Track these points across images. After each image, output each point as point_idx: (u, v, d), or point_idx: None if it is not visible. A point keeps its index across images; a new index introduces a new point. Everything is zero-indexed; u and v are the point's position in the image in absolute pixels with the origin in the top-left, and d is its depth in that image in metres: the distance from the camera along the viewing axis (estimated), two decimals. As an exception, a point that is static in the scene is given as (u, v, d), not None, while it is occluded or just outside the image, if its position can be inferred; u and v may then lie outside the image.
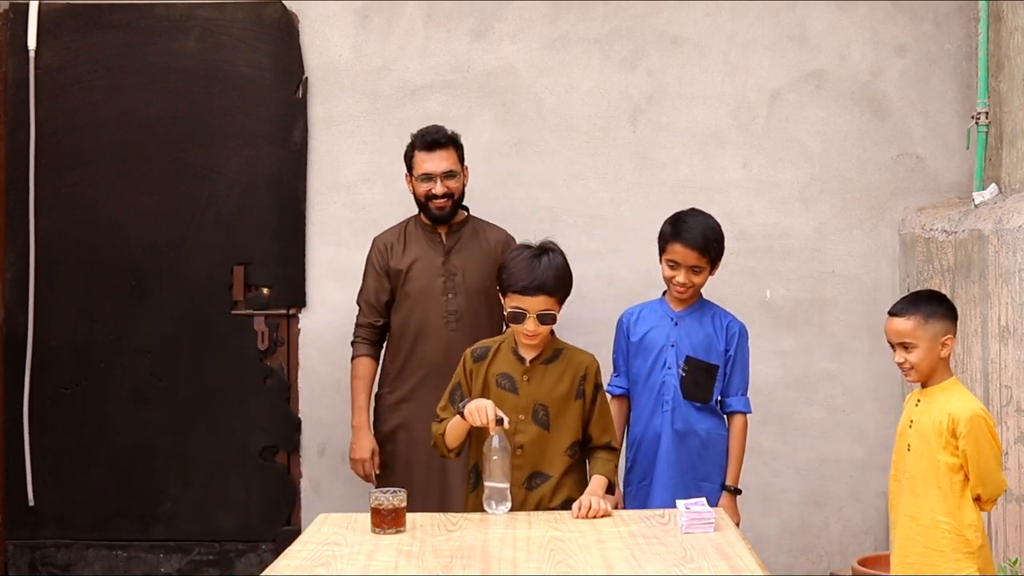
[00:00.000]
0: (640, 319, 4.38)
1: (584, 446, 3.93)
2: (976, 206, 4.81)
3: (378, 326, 4.84)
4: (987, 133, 5.05)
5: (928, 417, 3.64)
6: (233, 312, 5.39)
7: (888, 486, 3.81)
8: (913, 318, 3.65)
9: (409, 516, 3.58)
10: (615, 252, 5.32)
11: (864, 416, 5.30)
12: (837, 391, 5.31)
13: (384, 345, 4.89)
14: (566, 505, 3.75)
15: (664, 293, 4.40)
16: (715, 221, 4.32)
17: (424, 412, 4.04)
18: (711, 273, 4.31)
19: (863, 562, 4.75)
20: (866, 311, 5.29)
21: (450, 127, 4.85)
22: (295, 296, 5.38)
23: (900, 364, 3.69)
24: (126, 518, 5.40)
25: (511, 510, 3.72)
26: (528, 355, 3.88)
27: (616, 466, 3.98)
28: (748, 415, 4.36)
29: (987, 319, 4.45)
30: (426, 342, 4.75)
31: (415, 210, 4.91)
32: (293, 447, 5.39)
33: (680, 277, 4.26)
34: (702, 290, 4.37)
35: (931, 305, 3.68)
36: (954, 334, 3.68)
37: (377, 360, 4.87)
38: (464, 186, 4.82)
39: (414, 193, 4.81)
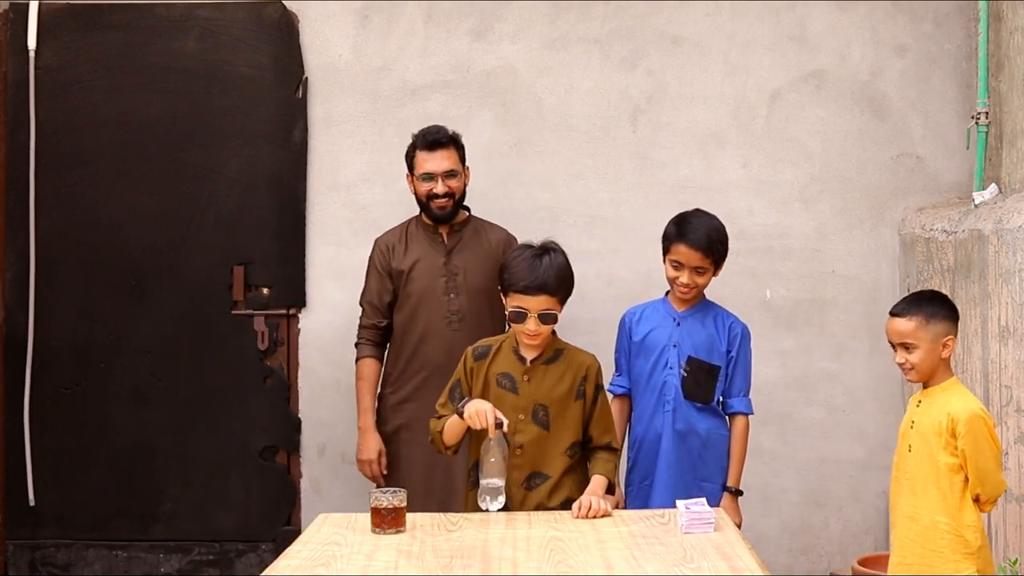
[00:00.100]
0: (643, 319, 4.38)
1: (584, 446, 3.93)
2: (976, 206, 4.81)
3: (381, 327, 4.84)
4: (987, 133, 5.05)
5: (928, 417, 3.64)
6: (233, 312, 5.38)
7: (889, 486, 3.81)
8: (914, 319, 3.65)
9: (409, 516, 3.58)
10: (615, 252, 5.32)
11: (864, 416, 5.30)
12: (837, 391, 5.31)
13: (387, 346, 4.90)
14: (565, 505, 3.75)
15: (667, 293, 4.40)
16: (719, 222, 4.31)
17: (426, 412, 4.04)
18: (715, 274, 4.31)
19: (863, 562, 4.74)
20: (866, 311, 5.29)
21: (450, 127, 4.85)
22: (295, 296, 5.38)
23: (901, 364, 3.69)
24: (126, 518, 5.40)
25: (509, 509, 3.73)
26: (529, 355, 3.88)
27: (616, 466, 3.98)
28: (750, 416, 4.36)
29: (987, 319, 4.45)
30: (428, 342, 4.75)
31: (415, 210, 4.91)
32: (293, 447, 5.39)
33: (684, 278, 4.26)
34: (704, 290, 4.37)
35: (932, 306, 3.68)
36: (955, 335, 3.68)
37: (381, 361, 4.87)
38: (465, 186, 4.82)
39: (415, 193, 4.81)
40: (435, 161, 4.74)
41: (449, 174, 4.75)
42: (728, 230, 4.39)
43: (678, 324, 4.32)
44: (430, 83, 5.36)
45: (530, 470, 3.84)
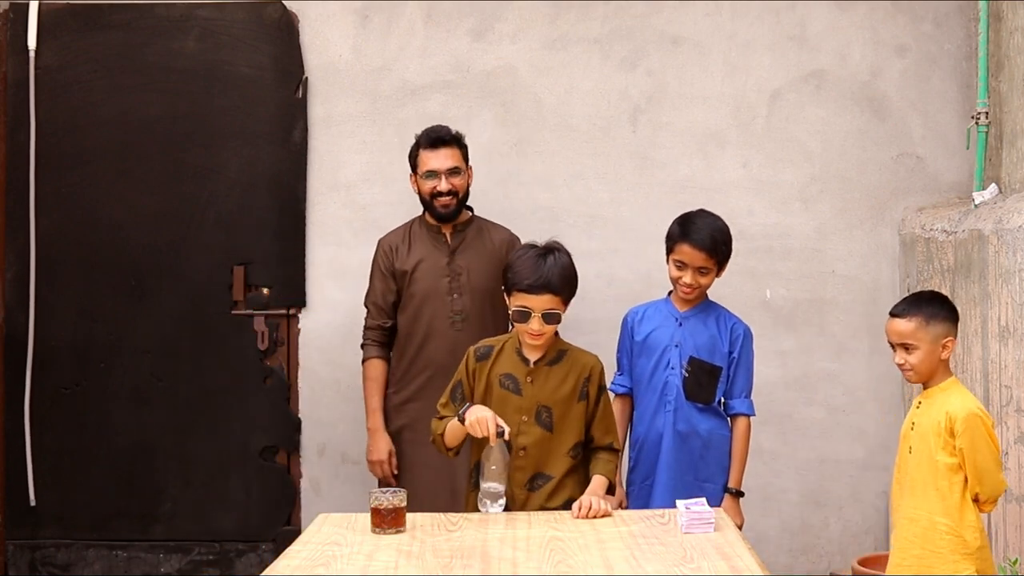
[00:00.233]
0: (645, 318, 4.37)
1: (586, 447, 3.92)
2: (976, 206, 4.81)
3: (387, 327, 4.84)
4: (987, 133, 5.05)
5: (928, 418, 3.64)
6: (233, 312, 5.38)
7: (889, 486, 3.81)
8: (914, 319, 3.65)
9: (409, 516, 3.58)
10: (615, 252, 5.32)
11: (864, 416, 5.30)
12: (837, 391, 5.31)
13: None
14: (568, 506, 3.75)
15: (670, 293, 4.39)
16: (723, 223, 4.31)
17: (430, 412, 4.04)
18: (718, 275, 4.31)
19: (863, 562, 4.74)
20: (866, 311, 5.29)
21: (451, 127, 4.85)
22: (295, 296, 5.38)
23: (900, 365, 3.69)
24: (126, 518, 5.40)
25: (511, 510, 3.72)
26: (532, 356, 3.87)
27: (616, 467, 3.98)
28: (751, 417, 4.35)
29: (987, 319, 4.45)
30: (432, 342, 4.75)
31: (415, 210, 4.91)
32: (293, 447, 5.39)
33: (687, 278, 4.25)
34: (707, 291, 4.37)
35: (933, 307, 3.68)
36: (955, 336, 3.68)
37: (388, 361, 4.87)
38: (468, 185, 4.82)
39: (419, 192, 4.81)
40: (439, 159, 4.74)
41: (453, 171, 4.75)
42: (728, 230, 4.40)
43: (680, 324, 4.32)
44: (430, 83, 5.37)
45: (533, 471, 3.84)
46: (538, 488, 3.83)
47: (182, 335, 5.39)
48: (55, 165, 5.38)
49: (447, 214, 4.78)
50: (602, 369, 3.93)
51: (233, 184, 5.39)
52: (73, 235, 5.39)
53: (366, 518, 3.58)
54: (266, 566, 3.46)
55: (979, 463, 3.56)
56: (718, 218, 4.33)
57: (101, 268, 5.40)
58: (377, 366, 4.84)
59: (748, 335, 4.35)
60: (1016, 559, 4.16)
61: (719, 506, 4.07)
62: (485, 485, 3.71)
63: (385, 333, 4.85)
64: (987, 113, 5.04)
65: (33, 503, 5.36)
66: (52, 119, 5.38)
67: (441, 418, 3.88)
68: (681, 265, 4.26)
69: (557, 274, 3.78)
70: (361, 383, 4.94)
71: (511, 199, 5.30)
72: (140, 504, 5.40)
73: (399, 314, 4.83)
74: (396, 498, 3.52)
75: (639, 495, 4.31)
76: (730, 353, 4.31)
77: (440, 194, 4.74)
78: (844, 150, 5.33)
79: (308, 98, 5.37)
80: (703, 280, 4.27)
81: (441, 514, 3.75)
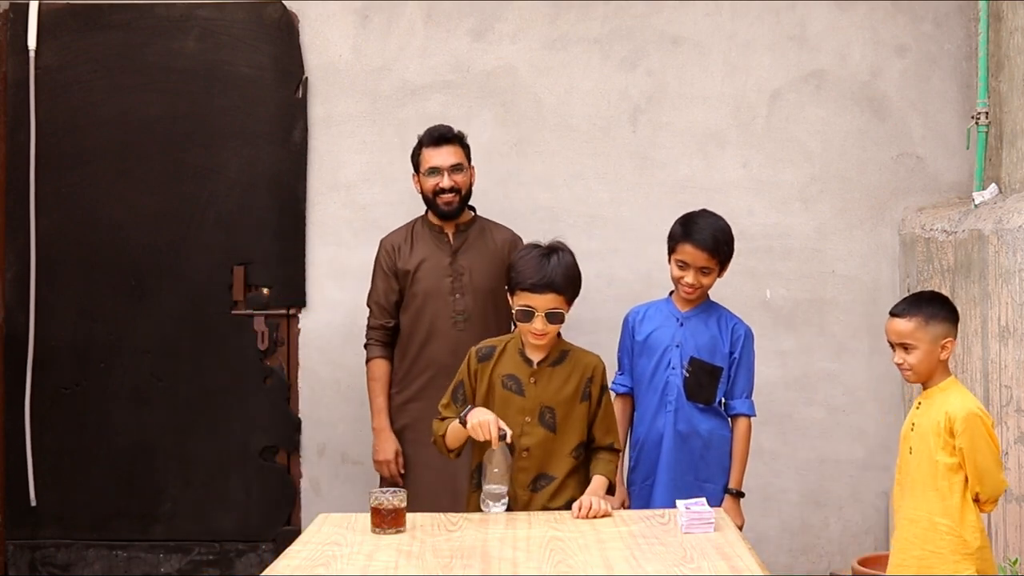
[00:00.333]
0: (646, 318, 4.37)
1: (587, 446, 3.92)
2: (976, 206, 4.81)
3: (390, 327, 4.84)
4: (987, 133, 5.05)
5: (927, 418, 3.64)
6: (233, 312, 5.39)
7: (888, 486, 3.81)
8: (914, 319, 3.65)
9: (409, 516, 3.58)
10: (615, 252, 5.32)
11: (864, 416, 5.30)
12: (837, 391, 5.31)
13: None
14: (569, 506, 3.74)
15: (671, 293, 4.39)
16: (725, 223, 4.31)
17: (431, 412, 4.04)
18: (720, 275, 4.30)
19: (863, 562, 4.74)
20: (866, 311, 5.29)
21: (452, 126, 4.85)
22: (295, 296, 5.38)
23: (899, 365, 3.69)
24: (126, 518, 5.40)
25: (513, 510, 3.72)
26: (535, 356, 3.86)
27: (616, 467, 3.98)
28: (752, 418, 4.35)
29: (987, 319, 4.45)
30: (434, 342, 4.75)
31: (415, 210, 4.91)
32: (293, 447, 5.39)
33: (689, 278, 4.25)
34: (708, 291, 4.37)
35: (933, 307, 3.68)
36: (955, 337, 3.67)
37: (392, 361, 4.87)
38: (471, 184, 4.83)
39: (421, 191, 4.81)
40: (441, 156, 4.75)
41: (455, 168, 4.75)
42: (728, 230, 4.40)
43: (681, 324, 4.32)
44: (430, 83, 5.37)
45: (536, 472, 3.83)
46: (541, 489, 3.83)
47: (182, 335, 5.39)
48: (55, 165, 5.38)
49: (450, 212, 4.77)
50: (604, 369, 3.93)
51: (233, 184, 5.39)
52: (73, 235, 5.39)
53: (366, 518, 3.58)
54: (266, 566, 3.46)
55: (979, 463, 3.55)
56: (720, 218, 4.32)
57: (101, 268, 5.40)
58: (381, 366, 4.84)
59: (749, 336, 4.35)
60: (1016, 559, 4.16)
61: (720, 506, 4.07)
62: (488, 487, 3.71)
63: (388, 333, 4.85)
64: (987, 113, 5.04)
65: (34, 503, 5.36)
66: (52, 119, 5.38)
67: (442, 419, 3.87)
68: (683, 265, 4.26)
69: (561, 273, 3.77)
70: (361, 383, 4.95)
71: (511, 199, 5.30)
72: (140, 504, 5.40)
73: (401, 314, 4.83)
74: (396, 498, 3.52)
75: (640, 495, 4.31)
76: (731, 353, 4.31)
77: (443, 191, 4.74)
78: (844, 150, 5.33)
79: (308, 98, 5.37)
80: (705, 280, 4.27)
81: (441, 514, 3.75)
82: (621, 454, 4.09)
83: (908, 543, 3.64)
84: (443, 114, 5.23)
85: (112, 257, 5.39)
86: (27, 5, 5.36)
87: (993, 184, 4.91)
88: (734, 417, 4.33)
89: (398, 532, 3.50)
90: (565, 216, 5.33)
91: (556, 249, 3.82)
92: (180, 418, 5.39)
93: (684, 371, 4.27)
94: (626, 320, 4.43)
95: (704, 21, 5.34)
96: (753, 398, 4.36)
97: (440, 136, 4.77)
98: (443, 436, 3.83)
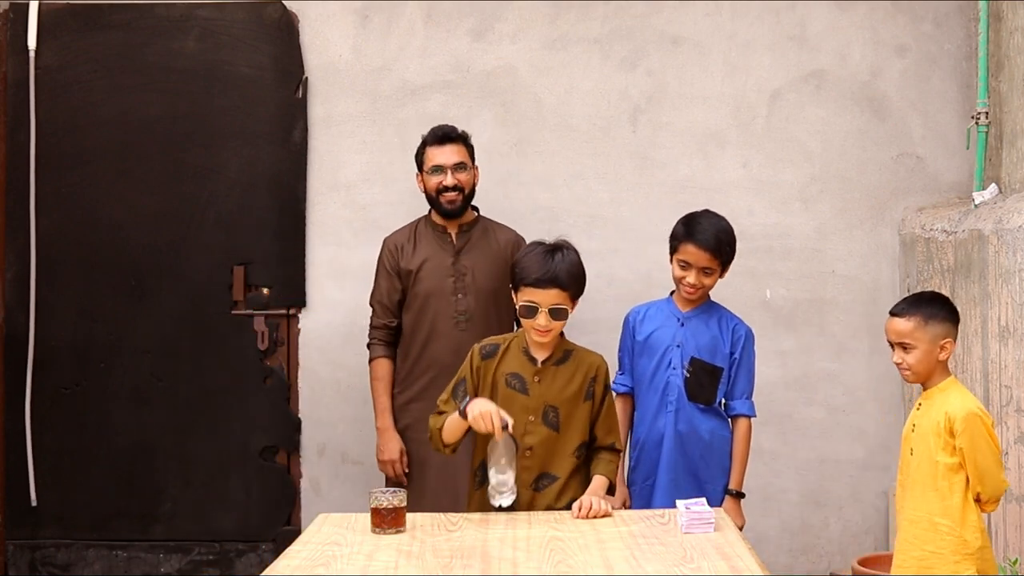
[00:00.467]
0: (647, 318, 4.36)
1: (588, 446, 3.91)
2: (976, 206, 4.81)
3: (392, 327, 4.84)
4: (987, 133, 5.05)
5: (927, 419, 3.64)
6: (233, 312, 5.39)
7: (889, 486, 3.81)
8: (913, 319, 3.65)
9: (409, 516, 3.57)
10: (615, 252, 5.32)
11: (864, 416, 5.30)
12: (837, 391, 5.31)
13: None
14: (571, 506, 3.73)
15: (672, 293, 4.39)
16: (728, 223, 4.30)
17: (434, 412, 4.05)
18: (721, 275, 4.30)
19: (863, 562, 4.74)
20: (866, 311, 5.29)
21: (456, 126, 4.85)
22: (295, 296, 5.38)
23: (898, 364, 3.69)
24: (126, 518, 5.41)
25: (516, 510, 3.71)
26: (539, 355, 3.85)
27: (617, 467, 3.97)
28: (752, 419, 4.35)
29: (987, 319, 4.45)
30: (436, 342, 4.75)
31: (415, 210, 4.92)
32: (293, 447, 5.39)
33: (691, 278, 4.24)
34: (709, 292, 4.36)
35: (932, 307, 3.68)
36: (954, 338, 3.67)
37: (395, 360, 4.86)
38: (475, 184, 4.83)
39: (425, 190, 4.81)
40: (445, 154, 4.75)
41: (459, 166, 4.75)
42: (728, 230, 4.39)
43: (682, 324, 4.31)
44: (430, 83, 5.37)
45: (539, 471, 3.82)
46: (543, 488, 3.81)
47: (182, 335, 5.39)
48: (55, 165, 5.38)
49: (453, 210, 4.77)
50: (607, 368, 3.92)
51: (233, 184, 5.39)
52: (73, 235, 5.40)
53: (366, 518, 3.58)
54: (266, 566, 3.46)
55: (980, 463, 3.55)
56: (723, 219, 4.32)
57: (101, 268, 5.40)
58: (384, 365, 4.84)
59: (750, 336, 4.35)
60: (1016, 559, 4.16)
61: (720, 507, 4.07)
62: (495, 479, 3.68)
63: (391, 332, 4.85)
64: (987, 113, 5.04)
65: (34, 503, 5.36)
66: (52, 119, 5.38)
67: (440, 414, 3.85)
68: (685, 265, 4.25)
69: (564, 270, 3.77)
70: (361, 383, 4.96)
71: (511, 199, 5.30)
72: (140, 504, 5.40)
73: (403, 313, 4.83)
74: (396, 498, 3.52)
75: (640, 495, 4.31)
76: (731, 354, 4.30)
77: (446, 189, 4.74)
78: (844, 150, 5.33)
79: (308, 98, 5.38)
80: (707, 280, 4.26)
81: (441, 514, 3.74)
82: (622, 454, 4.09)
83: (909, 543, 3.64)
84: (443, 114, 5.23)
85: (112, 257, 5.39)
86: (27, 5, 5.36)
87: (993, 184, 4.91)
88: (734, 418, 4.32)
89: (398, 532, 3.50)
90: (565, 216, 5.33)
91: (561, 247, 3.83)
92: (180, 418, 5.39)
93: (685, 371, 4.26)
94: (627, 320, 4.43)
95: (704, 21, 5.34)
96: (753, 398, 4.36)
97: (444, 135, 4.78)
98: (440, 429, 3.81)
